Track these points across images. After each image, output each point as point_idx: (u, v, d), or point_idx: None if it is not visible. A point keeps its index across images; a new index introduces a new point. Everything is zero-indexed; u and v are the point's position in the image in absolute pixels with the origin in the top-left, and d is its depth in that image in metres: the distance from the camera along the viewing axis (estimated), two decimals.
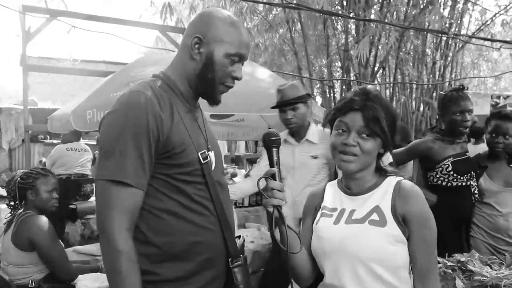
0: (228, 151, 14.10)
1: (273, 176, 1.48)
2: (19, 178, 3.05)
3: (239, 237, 1.79)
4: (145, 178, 1.46)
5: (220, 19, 1.60)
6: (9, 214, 3.07)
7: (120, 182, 1.39)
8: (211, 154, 1.65)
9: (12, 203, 3.08)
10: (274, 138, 1.53)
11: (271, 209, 1.45)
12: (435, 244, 1.50)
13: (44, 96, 13.63)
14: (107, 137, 1.46)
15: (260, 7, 9.36)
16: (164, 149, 1.49)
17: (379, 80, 9.12)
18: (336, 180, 1.75)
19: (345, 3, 8.55)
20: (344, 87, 8.95)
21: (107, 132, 1.47)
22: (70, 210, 6.09)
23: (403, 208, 1.49)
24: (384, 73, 9.23)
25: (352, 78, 8.70)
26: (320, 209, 1.70)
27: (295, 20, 9.11)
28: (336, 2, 8.88)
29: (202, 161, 1.57)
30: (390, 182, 1.57)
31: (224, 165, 9.42)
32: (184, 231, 1.54)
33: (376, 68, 8.73)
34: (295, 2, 6.24)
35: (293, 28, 9.38)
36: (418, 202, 1.50)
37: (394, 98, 9.03)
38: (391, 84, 8.93)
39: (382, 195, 1.54)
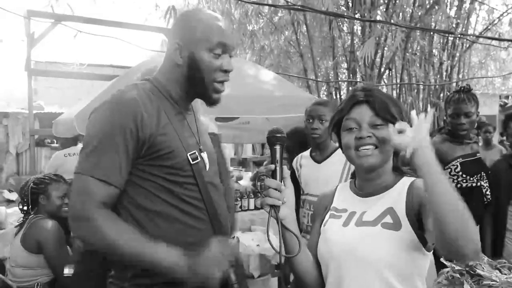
0: (235, 154, 14.09)
1: (272, 174, 1.43)
2: (32, 183, 3.12)
3: (233, 237, 1.78)
4: (120, 176, 1.47)
5: (193, 18, 1.60)
6: (22, 219, 3.14)
7: (94, 178, 1.43)
8: (204, 155, 1.66)
9: (24, 207, 3.13)
10: (278, 135, 1.48)
11: (267, 209, 1.41)
12: None
13: (51, 101, 13.69)
14: (87, 133, 1.49)
15: (265, 9, 9.34)
16: (150, 149, 1.50)
17: (385, 81, 9.06)
18: (349, 181, 1.69)
19: (350, 4, 8.51)
20: (350, 88, 8.90)
21: (88, 128, 1.50)
22: None
23: (416, 200, 1.39)
24: (390, 74, 9.16)
25: (358, 80, 8.65)
26: (329, 210, 1.64)
27: (300, 22, 9.07)
28: (342, 3, 8.84)
29: (192, 162, 1.57)
30: (405, 182, 1.49)
31: (231, 168, 9.42)
32: (175, 232, 1.54)
33: (382, 69, 8.68)
34: (300, 3, 6.21)
35: (299, 30, 9.34)
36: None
37: (401, 99, 8.96)
38: (398, 85, 8.86)
39: (397, 196, 1.45)
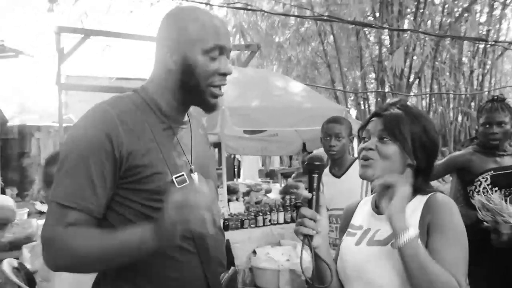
0: (263, 165, 14.07)
1: (309, 203, 1.39)
2: None
3: (229, 269, 1.59)
4: (95, 201, 1.29)
5: (185, 17, 1.40)
6: None
7: (61, 204, 1.26)
8: (194, 177, 1.43)
9: None
10: (318, 163, 1.40)
11: (301, 237, 1.36)
12: (460, 265, 1.28)
13: (82, 114, 13.96)
14: (61, 153, 1.33)
15: (292, 20, 9.35)
16: (129, 172, 1.30)
17: (414, 91, 8.92)
18: (373, 195, 1.64)
19: (377, 13, 8.43)
20: (379, 99, 8.79)
21: (62, 148, 1.36)
22: None
23: (427, 219, 1.32)
24: (420, 83, 9.02)
25: (387, 90, 8.54)
26: (349, 227, 1.59)
27: (327, 32, 9.05)
28: (369, 13, 8.78)
29: (177, 186, 1.34)
30: (421, 200, 1.39)
31: (259, 180, 9.31)
32: (158, 266, 1.35)
33: (411, 79, 8.55)
34: (326, 14, 6.18)
35: (326, 41, 9.31)
36: (446, 212, 1.32)
37: (431, 108, 8.80)
38: (428, 95, 8.71)
39: (410, 214, 1.35)
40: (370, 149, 1.41)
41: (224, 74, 1.41)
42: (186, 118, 1.51)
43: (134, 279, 1.35)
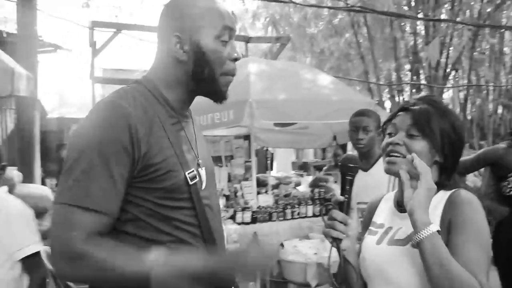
0: (296, 157, 14.02)
1: (340, 206, 1.37)
2: None
3: None
4: (115, 203, 1.23)
5: (188, 5, 1.35)
6: None
7: (82, 207, 1.18)
8: (202, 172, 1.41)
9: None
10: (352, 165, 1.39)
11: (330, 240, 1.35)
12: (482, 264, 1.23)
13: None
14: (70, 154, 1.24)
15: (325, 11, 9.23)
16: (143, 170, 1.26)
17: (451, 82, 8.67)
18: (396, 191, 1.60)
19: (413, 3, 8.23)
20: (414, 90, 8.60)
21: (70, 148, 1.26)
22: None
23: (449, 216, 1.29)
24: (457, 75, 8.76)
25: (422, 81, 8.34)
26: (370, 225, 1.56)
27: (360, 23, 8.89)
28: (404, 3, 8.58)
29: (190, 182, 1.32)
30: (443, 196, 1.36)
31: (292, 172, 9.28)
32: None
33: (448, 70, 8.31)
34: (359, 5, 6.07)
35: (359, 32, 9.16)
36: (468, 209, 1.28)
37: (469, 101, 8.54)
38: (465, 87, 8.45)
39: (432, 211, 1.31)
40: (397, 144, 1.37)
41: (236, 60, 1.37)
42: (189, 112, 1.48)
43: None
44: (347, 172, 1.38)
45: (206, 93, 1.41)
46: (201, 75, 1.35)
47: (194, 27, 1.32)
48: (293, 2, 7.23)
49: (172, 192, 1.30)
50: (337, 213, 1.33)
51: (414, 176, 1.29)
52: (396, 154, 1.37)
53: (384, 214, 1.52)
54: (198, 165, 1.41)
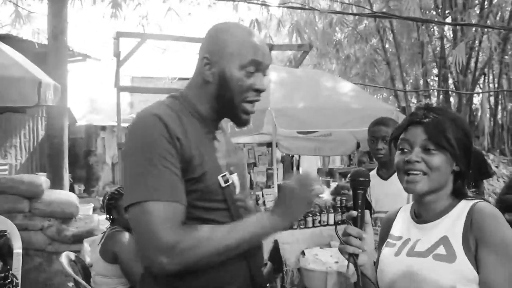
0: (322, 164, 13.96)
1: (354, 221, 1.37)
2: (107, 197, 3.27)
3: (265, 264, 1.67)
4: (182, 191, 1.34)
5: (225, 31, 1.47)
6: (105, 228, 3.31)
7: (158, 200, 1.28)
8: (234, 177, 1.51)
9: (107, 216, 3.32)
10: (362, 178, 1.38)
11: (346, 256, 1.34)
12: None
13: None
14: (127, 161, 1.36)
15: (350, 18, 9.18)
16: (182, 171, 1.36)
17: (481, 87, 8.47)
18: (412, 203, 1.58)
19: (440, 7, 8.09)
20: (441, 96, 8.45)
21: (125, 157, 1.38)
22: None
23: (475, 234, 1.25)
24: (487, 79, 8.56)
25: (450, 87, 8.18)
26: (388, 237, 1.54)
27: (386, 29, 8.80)
28: (432, 7, 8.44)
29: (223, 185, 1.43)
30: (464, 206, 1.33)
31: (320, 178, 9.26)
32: None
33: (477, 75, 8.12)
34: (382, 11, 6.01)
35: (385, 38, 9.06)
36: (495, 225, 1.25)
37: (499, 107, 8.32)
38: (495, 92, 8.24)
39: (453, 222, 1.30)
40: (416, 161, 1.34)
41: (258, 90, 1.46)
42: (220, 125, 1.59)
43: (188, 281, 1.40)
44: (358, 187, 1.38)
45: (228, 116, 1.53)
46: (223, 98, 1.46)
47: (224, 53, 1.43)
48: (318, 10, 7.24)
49: (208, 193, 1.40)
50: (351, 229, 1.33)
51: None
52: (415, 172, 1.34)
53: (401, 226, 1.50)
54: (230, 171, 1.49)
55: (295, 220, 1.40)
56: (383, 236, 1.57)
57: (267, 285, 1.55)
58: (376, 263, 1.50)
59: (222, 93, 1.45)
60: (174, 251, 1.27)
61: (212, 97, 1.48)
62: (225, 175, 1.44)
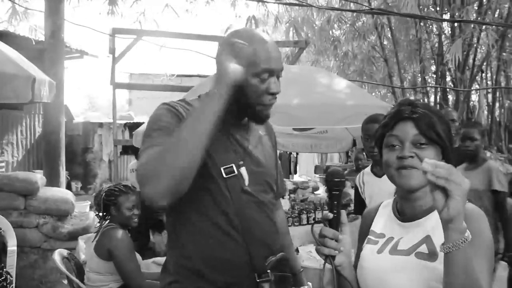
0: (320, 161, 13.98)
1: (329, 222, 1.36)
2: (104, 194, 3.24)
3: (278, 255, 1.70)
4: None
5: (244, 38, 1.57)
6: (97, 224, 3.29)
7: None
8: (242, 170, 1.63)
9: (100, 214, 3.29)
10: (337, 179, 1.35)
11: (323, 257, 1.33)
12: (487, 275, 1.22)
13: (142, 111, 14.53)
14: (145, 134, 1.53)
15: (348, 14, 9.16)
16: None
17: (478, 84, 8.46)
18: (393, 198, 1.57)
19: (438, 3, 8.06)
20: (439, 93, 8.42)
21: (144, 133, 1.55)
22: (157, 220, 6.33)
23: None
24: (484, 76, 8.54)
25: (448, 84, 8.16)
26: (369, 233, 1.53)
27: (384, 25, 8.78)
28: (430, 3, 8.41)
29: (225, 176, 1.57)
30: None
31: (315, 176, 9.24)
32: (209, 248, 1.59)
33: (474, 72, 8.10)
34: (380, 7, 5.99)
35: (383, 34, 9.04)
36: (475, 222, 1.24)
37: (497, 104, 8.31)
38: (492, 89, 8.22)
39: (436, 222, 1.27)
40: (410, 156, 1.34)
41: (273, 93, 1.59)
42: (245, 122, 1.71)
43: (192, 261, 1.58)
44: (333, 188, 1.35)
45: (246, 116, 1.67)
46: (239, 101, 1.58)
47: (239, 62, 1.53)
48: (315, 6, 7.22)
49: (207, 181, 1.55)
50: (327, 230, 1.31)
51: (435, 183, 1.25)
52: (412, 167, 1.33)
53: (383, 222, 1.50)
54: (239, 165, 1.62)
55: (226, 78, 1.47)
56: (364, 232, 1.56)
57: (268, 271, 1.61)
58: (355, 259, 1.50)
59: (239, 97, 1.55)
60: (143, 175, 1.40)
61: (231, 100, 1.54)
62: (231, 166, 1.58)
